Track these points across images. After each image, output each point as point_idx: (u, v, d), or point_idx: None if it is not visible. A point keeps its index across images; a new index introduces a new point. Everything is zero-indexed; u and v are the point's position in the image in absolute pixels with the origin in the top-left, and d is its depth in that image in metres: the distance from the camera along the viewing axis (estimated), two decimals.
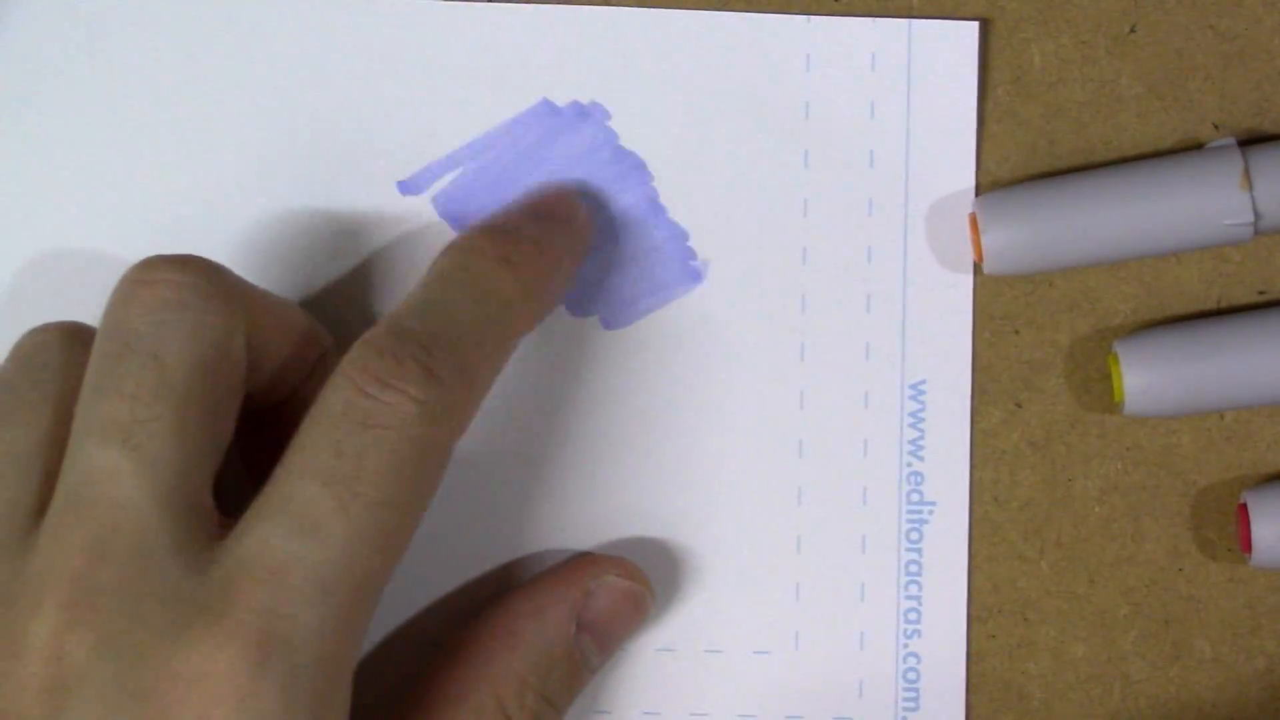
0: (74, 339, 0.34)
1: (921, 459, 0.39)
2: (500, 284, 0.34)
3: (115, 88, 0.38)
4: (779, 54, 0.39)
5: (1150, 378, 0.37)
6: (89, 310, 0.38)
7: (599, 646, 0.36)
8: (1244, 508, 0.38)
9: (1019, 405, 0.39)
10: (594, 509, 0.39)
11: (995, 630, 0.39)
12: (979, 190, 0.39)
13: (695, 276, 0.39)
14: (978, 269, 0.39)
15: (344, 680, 0.31)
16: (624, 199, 0.39)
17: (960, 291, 0.39)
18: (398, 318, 0.33)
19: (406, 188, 0.39)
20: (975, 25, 0.39)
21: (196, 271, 0.33)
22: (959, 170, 0.39)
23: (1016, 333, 0.39)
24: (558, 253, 0.36)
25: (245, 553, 0.30)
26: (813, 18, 0.39)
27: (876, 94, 0.39)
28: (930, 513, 0.39)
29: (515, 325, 0.34)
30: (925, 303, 0.39)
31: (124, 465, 0.30)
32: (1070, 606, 0.39)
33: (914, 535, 0.39)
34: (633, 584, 0.37)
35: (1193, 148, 0.39)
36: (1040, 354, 0.39)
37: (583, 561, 0.37)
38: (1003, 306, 0.39)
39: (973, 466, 0.39)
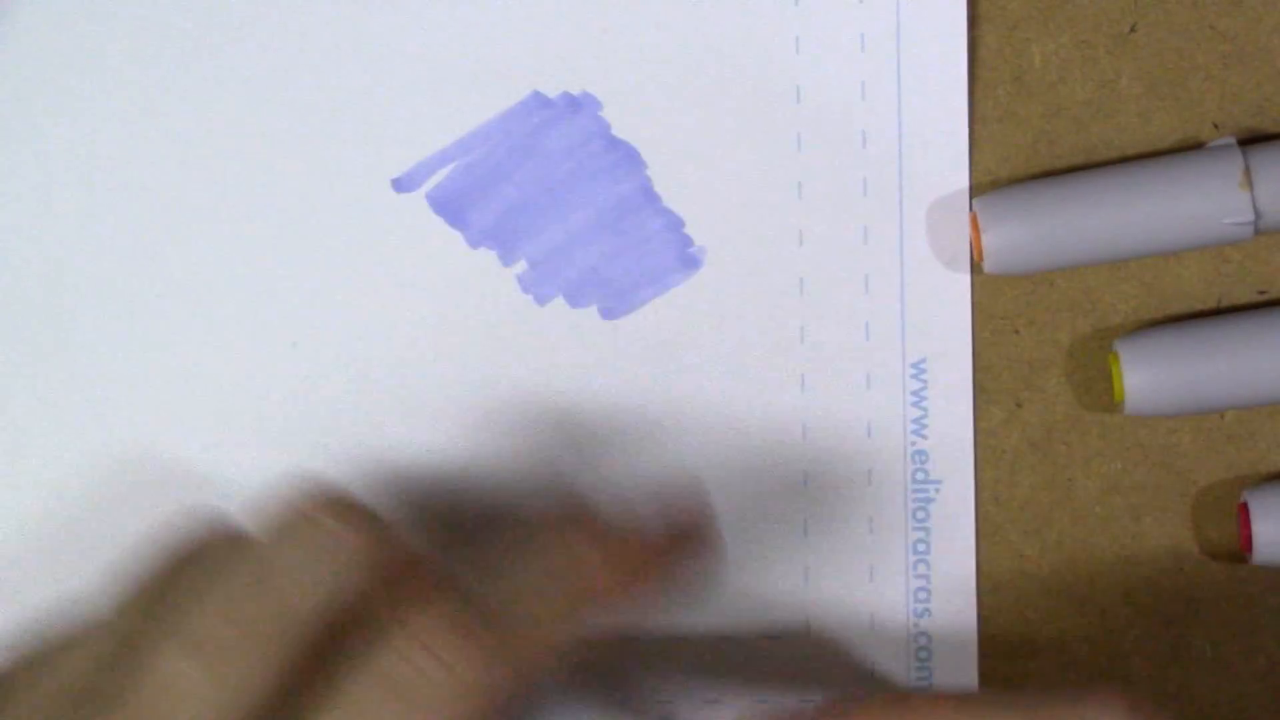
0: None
1: (925, 437, 0.39)
2: (587, 566, 0.31)
3: (106, 87, 0.38)
4: (768, 37, 0.39)
5: (1150, 377, 0.37)
6: (77, 307, 0.38)
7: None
8: (1244, 507, 0.38)
9: (1019, 405, 0.39)
10: (597, 499, 0.39)
11: (995, 630, 0.39)
12: (979, 189, 0.39)
13: (692, 263, 0.39)
14: (975, 246, 0.39)
15: None
16: (618, 188, 0.39)
17: (958, 268, 0.39)
18: (473, 590, 0.30)
19: (400, 185, 0.39)
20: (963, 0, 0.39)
21: (364, 528, 0.30)
22: (952, 146, 0.39)
23: (1016, 332, 0.39)
24: (666, 552, 0.33)
25: None
26: (801, 0, 0.39)
27: (867, 74, 0.39)
28: (936, 491, 0.39)
29: (593, 610, 0.31)
30: (923, 280, 0.39)
31: (194, 677, 0.28)
32: (1070, 606, 0.39)
33: (920, 514, 0.39)
34: None
35: (1193, 148, 0.39)
36: (1040, 354, 0.39)
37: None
38: (1003, 306, 0.39)
39: (973, 464, 0.39)
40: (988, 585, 0.39)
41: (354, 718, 0.29)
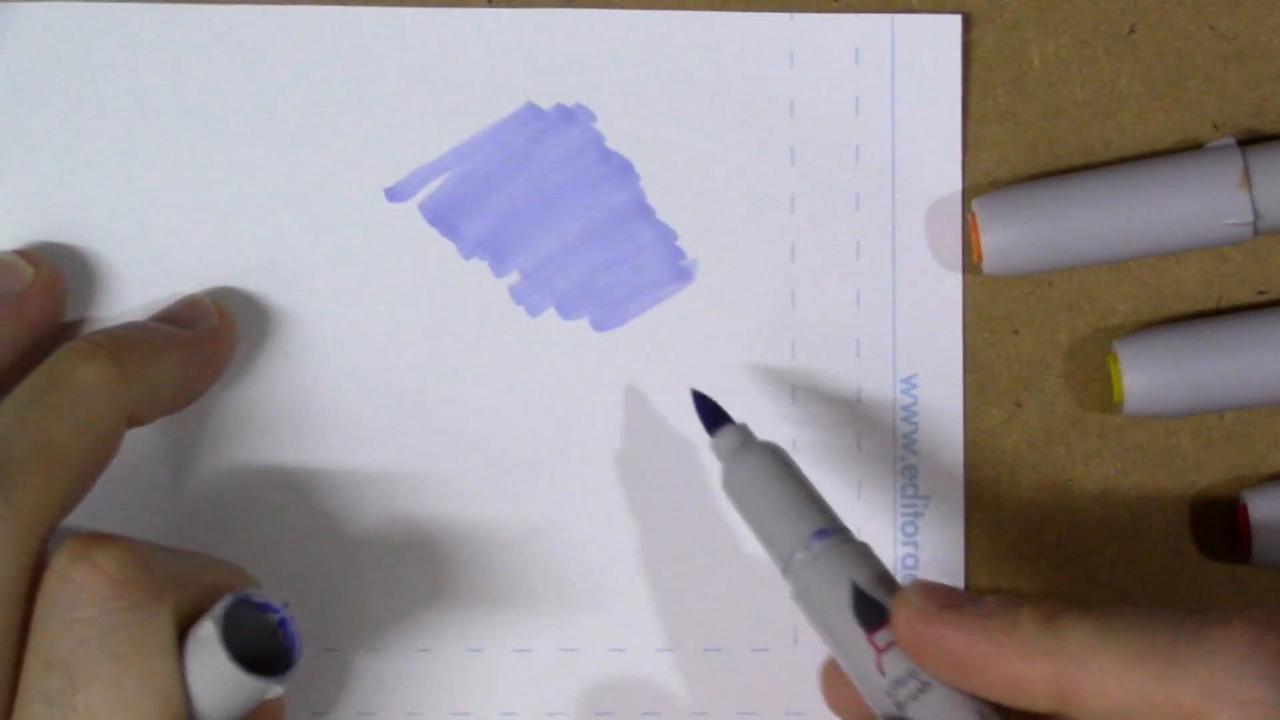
0: None
1: (915, 453, 0.39)
2: (97, 382, 0.34)
3: (106, 100, 0.38)
4: (763, 51, 0.39)
5: (1150, 378, 0.37)
6: (80, 312, 0.38)
7: None
8: (1244, 508, 0.38)
9: (1019, 405, 0.39)
10: (589, 511, 0.39)
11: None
12: (977, 190, 0.39)
13: (684, 276, 0.39)
14: (967, 261, 0.39)
15: None
16: (611, 200, 0.39)
17: (950, 284, 0.39)
18: None
19: (393, 194, 0.39)
20: (958, 18, 0.39)
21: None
22: (945, 163, 0.39)
23: (1016, 333, 0.39)
24: (173, 353, 0.36)
25: None
26: (796, 15, 0.39)
27: (861, 89, 0.39)
28: (925, 506, 0.39)
29: (115, 417, 0.34)
30: (915, 296, 0.39)
31: None
32: None
33: (909, 529, 0.39)
34: None
35: (1193, 148, 0.39)
36: (1040, 354, 0.39)
37: None
38: (1003, 306, 0.39)
39: (972, 466, 0.39)
40: (987, 586, 0.39)
41: None
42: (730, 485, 0.34)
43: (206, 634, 0.31)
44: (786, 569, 0.33)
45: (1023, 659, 0.31)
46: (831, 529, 0.33)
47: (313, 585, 0.38)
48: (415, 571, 0.38)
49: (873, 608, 0.32)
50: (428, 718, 0.38)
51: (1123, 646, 0.30)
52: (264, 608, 0.32)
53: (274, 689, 0.32)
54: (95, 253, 0.38)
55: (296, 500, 0.38)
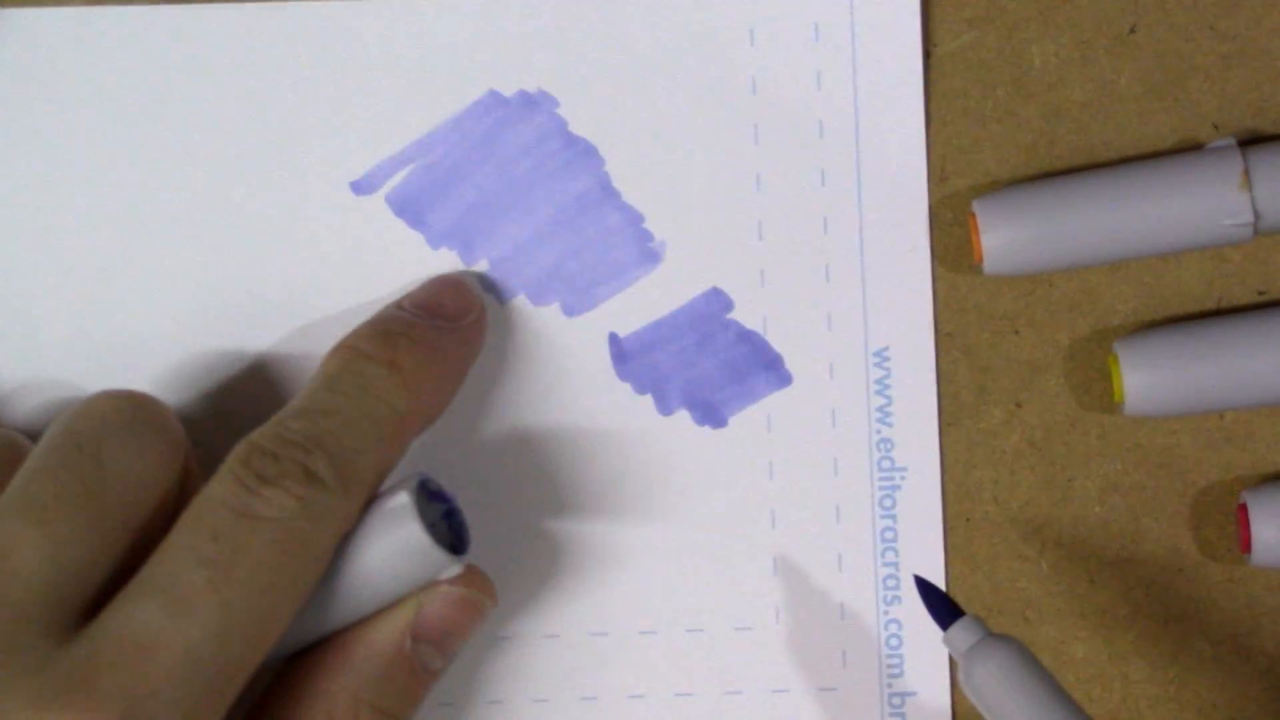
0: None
1: (890, 425, 0.39)
2: (386, 390, 0.35)
3: (76, 102, 0.38)
4: (722, 30, 0.39)
5: (1150, 378, 0.38)
6: (42, 307, 0.38)
7: (438, 651, 0.35)
8: (1244, 508, 0.38)
9: (1019, 405, 0.39)
10: (564, 496, 0.39)
11: (995, 629, 0.39)
12: (977, 190, 0.39)
13: (653, 258, 0.39)
14: (967, 261, 0.39)
15: None
16: (576, 185, 0.39)
17: (918, 255, 0.39)
18: (282, 419, 0.34)
19: (359, 187, 0.39)
20: None
21: (148, 406, 0.34)
22: (909, 135, 0.39)
23: (1016, 333, 0.39)
24: (447, 354, 0.36)
25: (113, 627, 0.30)
26: None
27: (822, 64, 0.39)
28: (902, 478, 0.39)
29: (401, 430, 0.35)
30: (884, 269, 0.39)
31: (30, 539, 0.31)
32: (1070, 606, 0.39)
33: (887, 502, 0.39)
34: (465, 591, 0.35)
35: (1193, 148, 0.39)
36: (1040, 354, 0.39)
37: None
38: (1003, 306, 0.39)
39: (972, 466, 0.39)
40: (987, 585, 0.39)
41: (209, 540, 0.31)
42: (970, 682, 0.34)
43: (400, 505, 0.33)
44: None
45: None
46: None
47: None
48: None
49: None
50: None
51: None
52: (437, 496, 0.34)
53: (453, 567, 0.33)
54: (58, 248, 0.38)
55: None
